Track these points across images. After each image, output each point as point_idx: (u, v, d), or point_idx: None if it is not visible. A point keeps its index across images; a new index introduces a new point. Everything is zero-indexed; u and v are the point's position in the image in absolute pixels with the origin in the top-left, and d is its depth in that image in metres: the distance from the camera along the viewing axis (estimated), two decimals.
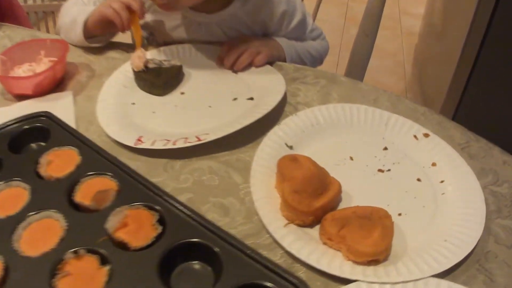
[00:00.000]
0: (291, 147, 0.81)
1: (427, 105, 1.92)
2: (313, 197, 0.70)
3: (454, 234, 0.70)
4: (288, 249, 0.67)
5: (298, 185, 0.70)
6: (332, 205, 0.73)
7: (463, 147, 0.85)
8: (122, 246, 0.67)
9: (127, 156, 0.83)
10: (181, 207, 0.71)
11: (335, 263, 0.66)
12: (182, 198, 0.76)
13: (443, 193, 0.76)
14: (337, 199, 0.73)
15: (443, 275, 0.66)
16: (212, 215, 0.74)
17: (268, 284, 0.61)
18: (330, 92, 0.94)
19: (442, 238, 0.70)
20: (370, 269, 0.65)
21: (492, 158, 0.83)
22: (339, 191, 0.72)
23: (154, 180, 0.78)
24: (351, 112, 0.86)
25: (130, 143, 0.82)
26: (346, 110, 0.86)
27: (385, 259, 0.67)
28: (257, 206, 0.72)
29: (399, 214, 0.73)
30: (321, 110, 0.86)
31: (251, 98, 0.92)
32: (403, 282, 0.64)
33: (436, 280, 0.64)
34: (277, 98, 0.88)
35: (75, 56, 1.10)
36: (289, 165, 0.72)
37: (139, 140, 0.83)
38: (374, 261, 0.66)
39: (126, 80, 0.98)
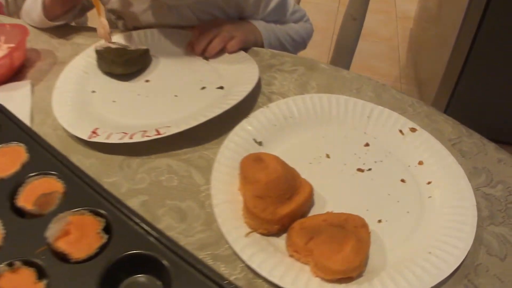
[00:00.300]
0: (260, 143, 0.71)
1: (421, 91, 1.83)
2: (278, 203, 0.60)
3: (440, 246, 0.60)
4: (248, 262, 0.58)
5: (261, 190, 0.60)
6: (302, 211, 0.63)
7: (454, 143, 0.75)
8: (62, 257, 0.58)
9: (82, 152, 0.74)
10: (129, 214, 0.61)
11: (301, 280, 0.56)
12: (136, 201, 0.67)
13: (429, 196, 0.66)
14: (307, 204, 0.63)
15: None
16: (168, 221, 0.65)
17: None
18: (309, 81, 0.84)
19: (426, 249, 0.60)
20: (340, 287, 0.56)
21: (486, 156, 0.73)
22: (310, 195, 0.63)
23: (108, 180, 0.70)
24: (329, 104, 0.76)
25: (84, 135, 0.73)
26: (324, 101, 0.76)
27: (360, 275, 0.57)
28: (216, 212, 0.62)
29: (379, 221, 0.64)
30: (295, 101, 0.76)
31: (221, 87, 0.82)
32: None
33: None
34: (248, 87, 0.77)
35: (39, 42, 0.99)
36: (253, 166, 0.62)
37: (94, 132, 0.73)
38: (346, 278, 0.56)
39: (88, 65, 0.88)
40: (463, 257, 0.59)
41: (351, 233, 0.57)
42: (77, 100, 0.81)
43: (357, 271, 0.55)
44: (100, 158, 0.73)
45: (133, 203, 0.67)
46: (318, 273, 0.56)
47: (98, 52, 0.86)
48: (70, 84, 0.84)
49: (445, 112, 1.58)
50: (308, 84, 0.83)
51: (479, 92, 1.50)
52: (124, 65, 0.85)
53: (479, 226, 0.64)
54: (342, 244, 0.55)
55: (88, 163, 0.72)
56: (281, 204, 0.60)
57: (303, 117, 0.75)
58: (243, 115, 0.75)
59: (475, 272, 0.60)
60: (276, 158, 0.63)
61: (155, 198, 0.68)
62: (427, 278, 0.56)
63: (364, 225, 0.59)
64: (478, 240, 0.63)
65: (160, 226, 0.64)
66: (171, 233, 0.64)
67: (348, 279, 0.56)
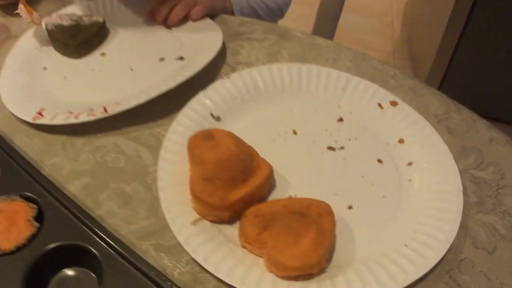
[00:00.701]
0: (218, 119, 0.62)
1: (416, 66, 1.71)
2: (230, 186, 0.51)
3: (419, 238, 0.50)
4: (193, 255, 0.49)
5: (210, 171, 0.50)
6: (260, 196, 0.54)
7: (440, 119, 0.64)
8: None
9: (26, 132, 0.64)
10: (64, 200, 0.53)
11: (252, 276, 0.47)
12: (78, 184, 0.58)
13: (409, 179, 0.57)
14: (265, 187, 0.54)
15: None
16: (110, 206, 0.56)
17: None
18: (280, 50, 0.73)
19: (402, 242, 0.50)
20: (297, 285, 0.46)
21: (476, 134, 0.63)
22: (269, 177, 0.53)
23: (50, 161, 0.60)
24: (299, 74, 0.66)
25: (29, 117, 0.63)
26: (293, 72, 0.66)
27: (322, 271, 0.48)
28: (161, 196, 0.53)
29: (349, 207, 0.54)
30: (261, 72, 0.65)
31: (181, 58, 0.72)
32: None
33: None
34: (208, 57, 0.67)
35: None
36: (201, 144, 0.52)
37: (39, 113, 0.64)
38: (304, 275, 0.47)
39: (42, 40, 0.78)
40: (445, 251, 0.49)
41: (312, 222, 0.47)
42: (25, 79, 0.71)
43: (316, 267, 0.46)
44: (44, 138, 0.63)
45: (75, 186, 0.58)
46: (271, 269, 0.47)
47: (49, 32, 0.75)
48: (20, 61, 0.73)
49: (439, 88, 1.48)
50: (279, 54, 0.73)
51: (474, 68, 1.39)
52: (78, 49, 0.75)
53: (466, 214, 0.55)
54: (300, 236, 0.46)
55: (31, 143, 0.62)
56: (233, 187, 0.51)
57: (269, 89, 0.65)
58: (202, 89, 0.65)
59: (459, 268, 0.51)
60: (230, 135, 0.53)
61: (98, 180, 0.58)
62: (401, 276, 0.47)
63: (329, 213, 0.49)
64: (463, 230, 0.54)
65: (101, 211, 0.55)
66: (112, 220, 0.55)
67: (307, 276, 0.47)
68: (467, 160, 0.60)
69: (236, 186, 0.51)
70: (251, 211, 0.50)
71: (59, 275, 0.50)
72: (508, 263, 0.52)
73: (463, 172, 0.59)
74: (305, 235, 0.46)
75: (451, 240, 0.50)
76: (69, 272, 0.50)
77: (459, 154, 0.61)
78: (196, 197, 0.50)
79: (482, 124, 0.64)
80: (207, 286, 0.49)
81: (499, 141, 0.63)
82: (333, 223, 0.49)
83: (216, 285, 0.49)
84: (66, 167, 0.60)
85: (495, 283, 0.50)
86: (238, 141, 0.53)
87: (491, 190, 0.58)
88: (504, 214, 0.56)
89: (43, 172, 0.58)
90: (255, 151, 0.55)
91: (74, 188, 0.58)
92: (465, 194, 0.56)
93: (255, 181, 0.52)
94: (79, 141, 0.63)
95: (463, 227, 0.54)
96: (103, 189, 0.57)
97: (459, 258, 0.52)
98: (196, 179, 0.51)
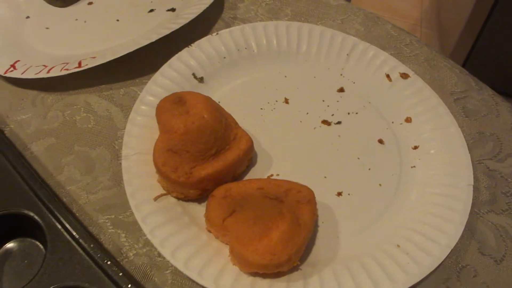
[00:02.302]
0: (201, 80, 0.51)
1: (442, 37, 1.54)
2: (199, 160, 0.41)
3: (415, 238, 0.40)
4: (150, 236, 0.40)
5: (176, 142, 0.41)
6: (234, 174, 0.44)
7: (457, 98, 0.53)
8: None
9: None
10: (17, 165, 0.44)
11: (212, 268, 0.38)
12: (42, 144, 0.49)
13: (413, 166, 0.46)
14: (241, 164, 0.44)
15: None
16: (71, 172, 0.47)
17: None
18: (283, 7, 0.61)
19: (394, 241, 0.40)
20: (262, 284, 0.37)
21: (496, 119, 0.51)
22: (246, 153, 0.43)
23: (16, 118, 0.52)
24: (299, 35, 0.54)
25: (1, 70, 0.54)
26: (293, 32, 0.54)
27: (294, 269, 0.39)
28: (123, 165, 0.44)
29: (339, 194, 0.44)
30: (255, 29, 0.54)
31: (172, 10, 0.61)
32: None
33: None
34: (199, 9, 0.56)
35: None
36: (170, 109, 0.42)
37: (13, 66, 0.54)
38: (272, 273, 0.38)
39: None
40: (443, 258, 0.39)
41: (288, 211, 0.37)
42: (6, 29, 0.61)
43: (285, 266, 0.36)
44: (14, 92, 0.54)
45: (38, 146, 0.49)
46: (235, 262, 0.38)
47: None
48: (2, 10, 0.64)
49: (464, 65, 1.32)
50: (281, 11, 0.61)
51: (503, 45, 1.22)
52: None
53: (474, 213, 0.44)
54: (270, 227, 0.36)
55: (1, 95, 0.53)
56: (201, 162, 0.41)
57: (263, 50, 0.53)
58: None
59: (458, 276, 0.41)
60: (205, 101, 0.43)
61: (63, 141, 0.49)
62: (385, 283, 0.37)
63: (309, 202, 0.39)
64: (469, 232, 0.43)
65: (61, 177, 0.47)
66: (71, 187, 0.46)
67: (276, 274, 0.38)
68: (483, 148, 0.49)
69: (205, 161, 0.41)
70: (220, 191, 0.40)
71: (4, 247, 0.42)
72: None
73: (476, 162, 0.48)
74: (276, 227, 0.36)
75: (452, 245, 0.40)
76: (15, 243, 0.42)
77: (474, 141, 0.49)
78: (158, 170, 0.41)
79: (504, 108, 0.52)
80: (164, 273, 0.41)
81: None
82: (313, 213, 0.39)
83: (174, 272, 0.41)
84: (32, 125, 0.51)
85: None
86: (213, 108, 0.43)
87: (507, 186, 0.46)
88: None
89: (7, 130, 0.50)
90: (234, 121, 0.44)
91: (36, 149, 0.49)
92: (476, 189, 0.46)
93: (228, 157, 0.42)
94: (50, 97, 0.53)
95: (470, 229, 0.43)
96: (67, 152, 0.48)
97: (460, 265, 0.41)
98: (160, 150, 0.41)
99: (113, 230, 0.43)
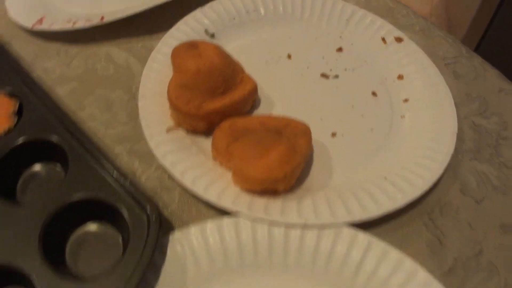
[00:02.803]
0: (212, 36, 0.55)
1: (450, 32, 1.55)
2: (208, 96, 0.45)
3: (400, 172, 0.44)
4: (161, 160, 0.43)
5: (188, 79, 0.44)
6: (238, 110, 0.47)
7: (448, 62, 0.56)
8: None
9: (23, 38, 0.59)
10: (44, 98, 0.48)
11: (216, 187, 0.42)
12: (66, 88, 0.53)
13: (402, 116, 0.49)
14: (245, 103, 0.47)
15: (370, 225, 0.41)
16: (92, 110, 0.51)
17: (115, 204, 0.40)
18: None
19: (381, 175, 0.44)
20: (260, 202, 0.41)
21: (484, 83, 0.55)
22: (251, 93, 0.47)
23: (43, 65, 0.56)
24: (303, 2, 0.58)
25: (29, 24, 0.58)
26: None
27: (289, 191, 0.42)
28: (140, 104, 0.48)
29: (333, 134, 0.47)
30: None
31: None
32: (301, 225, 0.39)
33: (352, 231, 0.39)
34: None
35: None
36: (185, 53, 0.46)
37: (39, 21, 0.59)
38: (270, 192, 0.41)
39: None
40: (425, 189, 0.42)
41: (286, 140, 0.41)
42: None
43: (281, 183, 0.40)
44: (40, 45, 0.58)
45: (62, 90, 0.53)
46: (237, 181, 0.42)
47: None
48: None
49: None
50: None
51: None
52: None
53: (458, 160, 0.47)
54: (269, 150, 0.40)
55: (27, 48, 0.57)
56: (211, 98, 0.45)
57: (269, 14, 0.57)
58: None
59: (441, 211, 0.44)
60: (216, 48, 0.47)
61: (85, 85, 0.53)
62: (372, 206, 0.40)
63: (305, 133, 0.43)
64: (452, 174, 0.46)
65: (83, 114, 0.51)
66: (92, 123, 0.50)
67: (272, 193, 0.41)
68: (469, 106, 0.52)
69: (214, 97, 0.45)
70: (226, 123, 0.44)
71: (30, 169, 0.46)
72: (496, 215, 0.44)
73: (463, 118, 0.51)
74: (274, 149, 0.40)
75: (434, 179, 0.43)
76: (39, 166, 0.46)
77: (462, 101, 0.53)
78: (171, 103, 0.45)
79: (493, 74, 0.56)
80: (173, 193, 0.44)
81: (510, 93, 0.54)
82: (308, 144, 0.42)
83: (181, 193, 0.44)
84: (57, 72, 0.55)
85: (478, 233, 0.43)
86: (223, 55, 0.47)
87: (491, 139, 0.50)
88: (500, 165, 0.48)
89: (34, 74, 0.54)
90: (241, 67, 0.48)
91: (61, 91, 0.53)
92: (462, 140, 0.49)
93: (235, 95, 0.46)
94: (73, 49, 0.57)
95: (453, 172, 0.46)
96: (88, 94, 0.52)
97: (442, 202, 0.45)
98: (174, 86, 0.45)
99: (128, 159, 0.47)
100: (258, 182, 0.39)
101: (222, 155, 0.43)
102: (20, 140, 0.45)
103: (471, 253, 0.42)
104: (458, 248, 0.42)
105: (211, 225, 0.39)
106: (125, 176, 0.41)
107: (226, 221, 0.40)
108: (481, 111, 0.52)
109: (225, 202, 0.40)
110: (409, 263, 0.38)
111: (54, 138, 0.45)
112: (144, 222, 0.38)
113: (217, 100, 0.45)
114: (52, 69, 0.55)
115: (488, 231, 0.44)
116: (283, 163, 0.39)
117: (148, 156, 0.47)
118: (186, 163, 0.43)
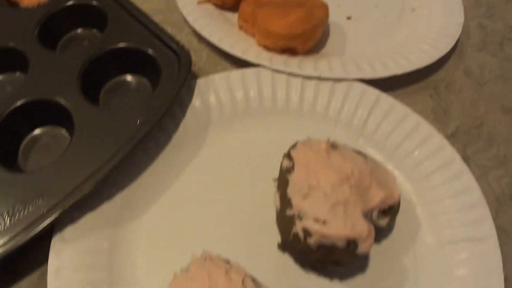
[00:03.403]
0: None
1: None
2: None
3: (409, 49, 0.47)
4: (192, 24, 0.47)
5: None
6: None
7: None
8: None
9: None
10: None
11: (241, 45, 0.45)
12: None
13: (413, 9, 0.52)
14: None
15: (380, 86, 0.44)
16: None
17: (149, 51, 0.43)
18: None
19: (391, 50, 0.47)
20: (280, 58, 0.44)
21: None
22: None
23: None
24: None
25: None
26: None
27: (307, 51, 0.45)
28: None
29: (348, 18, 0.51)
30: None
31: None
32: (317, 78, 0.42)
33: (362, 85, 0.42)
34: None
35: None
36: None
37: None
38: (290, 51, 0.44)
39: None
40: (430, 62, 0.45)
41: (304, 7, 0.44)
42: None
43: (300, 42, 0.43)
44: None
45: None
46: (260, 41, 0.45)
47: None
48: None
49: None
50: None
51: None
52: None
53: (463, 51, 0.50)
54: (289, 12, 0.43)
55: None
56: None
57: None
58: None
59: (446, 87, 0.47)
60: None
61: None
62: (380, 68, 0.43)
63: (323, 6, 0.46)
64: (457, 59, 0.49)
65: None
66: None
67: (292, 52, 0.44)
68: (477, 10, 0.55)
69: None
70: None
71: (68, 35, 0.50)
72: (497, 98, 0.47)
73: (471, 19, 0.54)
74: (295, 12, 0.43)
75: (439, 55, 0.46)
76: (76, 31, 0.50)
77: (470, 5, 0.55)
78: None
79: None
80: (201, 54, 0.48)
81: None
82: (325, 14, 0.45)
83: (208, 54, 0.48)
84: None
85: (480, 110, 0.46)
86: None
87: (496, 37, 0.52)
88: (503, 60, 0.51)
89: None
90: None
91: None
92: (469, 35, 0.52)
93: None
94: None
95: (459, 58, 0.49)
96: None
97: (447, 81, 0.48)
98: None
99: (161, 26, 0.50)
100: (280, 37, 0.43)
101: (247, 20, 0.46)
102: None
103: (473, 124, 0.45)
104: (461, 118, 0.45)
105: (235, 73, 0.43)
106: (157, 24, 0.44)
107: (249, 70, 0.43)
108: (489, 15, 0.55)
109: (249, 56, 0.43)
110: (414, 116, 0.41)
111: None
112: (175, 62, 0.41)
113: None
114: None
115: (489, 109, 0.46)
116: (302, 22, 0.43)
117: (180, 25, 0.51)
118: (214, 27, 0.47)
